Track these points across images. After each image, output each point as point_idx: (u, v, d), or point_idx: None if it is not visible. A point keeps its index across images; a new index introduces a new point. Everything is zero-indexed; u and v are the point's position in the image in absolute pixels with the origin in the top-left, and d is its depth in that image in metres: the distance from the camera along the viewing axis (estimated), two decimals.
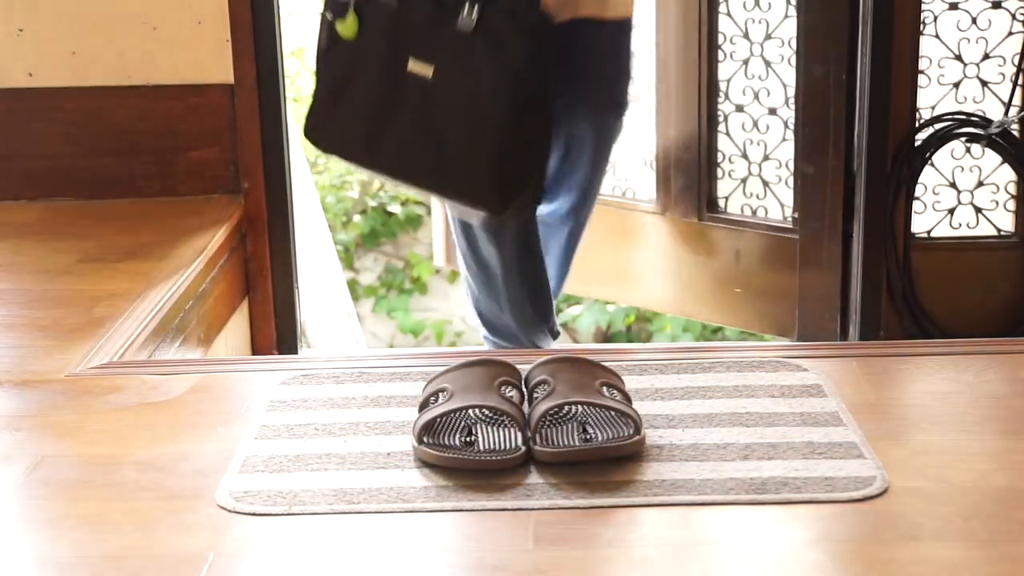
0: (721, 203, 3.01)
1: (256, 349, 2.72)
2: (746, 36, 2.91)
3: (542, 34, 2.28)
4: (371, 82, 2.29)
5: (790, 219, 2.92)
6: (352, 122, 2.33)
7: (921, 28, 2.73)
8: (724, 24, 2.93)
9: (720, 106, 2.97)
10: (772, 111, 2.91)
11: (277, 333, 2.73)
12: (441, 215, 3.67)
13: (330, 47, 2.32)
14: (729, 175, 2.99)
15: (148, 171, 2.67)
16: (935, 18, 2.74)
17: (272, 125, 2.66)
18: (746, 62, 2.92)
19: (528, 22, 2.24)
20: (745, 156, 2.97)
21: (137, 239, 2.41)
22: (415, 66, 2.26)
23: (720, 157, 2.99)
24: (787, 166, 2.92)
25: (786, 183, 2.93)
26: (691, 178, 3.01)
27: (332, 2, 2.31)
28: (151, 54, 2.63)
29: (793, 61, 2.85)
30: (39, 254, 2.36)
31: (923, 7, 2.72)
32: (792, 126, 2.88)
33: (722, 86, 2.96)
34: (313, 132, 2.38)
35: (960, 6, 2.74)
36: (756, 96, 2.92)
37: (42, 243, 2.43)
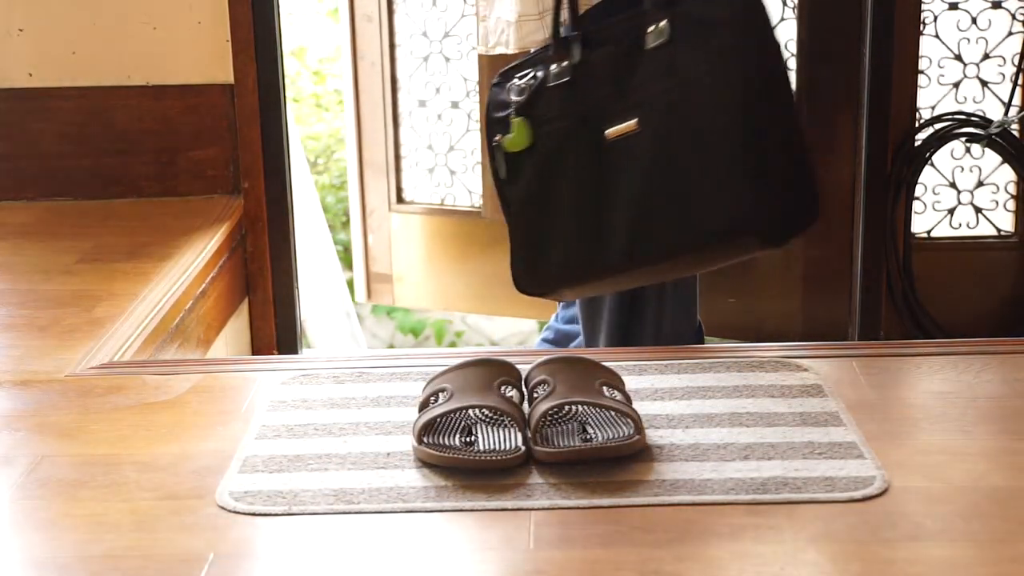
0: None
1: (256, 349, 2.72)
2: None
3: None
4: (572, 177, 1.90)
5: None
6: (568, 237, 1.92)
7: (921, 28, 2.73)
8: None
9: None
10: None
11: (277, 333, 2.73)
12: (361, 246, 3.61)
13: (512, 173, 1.94)
14: None
15: (148, 171, 2.67)
16: (935, 18, 2.74)
17: (272, 125, 2.66)
18: None
19: None
20: None
21: (137, 239, 2.41)
22: (614, 129, 1.86)
23: None
24: None
25: None
26: None
27: (494, 123, 1.94)
28: (151, 54, 2.63)
29: (790, 64, 2.85)
30: (39, 254, 2.36)
31: (923, 7, 2.72)
32: None
33: None
34: (528, 282, 1.98)
35: (960, 6, 2.74)
36: None
37: (42, 243, 2.43)
